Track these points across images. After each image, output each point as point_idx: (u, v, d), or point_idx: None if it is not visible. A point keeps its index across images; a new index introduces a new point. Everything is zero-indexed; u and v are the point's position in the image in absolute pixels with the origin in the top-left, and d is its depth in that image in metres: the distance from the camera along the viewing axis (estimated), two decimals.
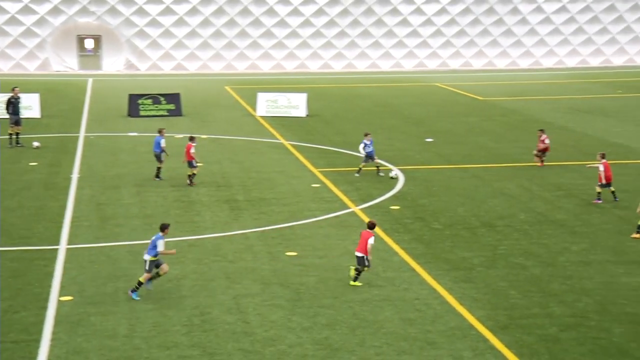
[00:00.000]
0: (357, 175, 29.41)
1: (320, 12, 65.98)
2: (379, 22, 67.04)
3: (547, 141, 31.29)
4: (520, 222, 24.06)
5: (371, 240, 18.61)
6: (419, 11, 67.16)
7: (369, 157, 29.49)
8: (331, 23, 66.47)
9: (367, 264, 18.76)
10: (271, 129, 39.66)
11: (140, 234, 22.86)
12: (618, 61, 70.60)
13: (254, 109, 44.55)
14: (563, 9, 68.71)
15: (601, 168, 26.00)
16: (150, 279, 18.13)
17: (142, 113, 43.38)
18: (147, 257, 18.01)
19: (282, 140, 36.86)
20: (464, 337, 16.11)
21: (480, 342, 15.87)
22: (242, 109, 46.13)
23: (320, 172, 30.44)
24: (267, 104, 44.09)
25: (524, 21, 68.63)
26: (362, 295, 18.22)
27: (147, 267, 18.00)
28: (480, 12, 67.77)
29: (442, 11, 67.49)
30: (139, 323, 16.74)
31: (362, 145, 29.67)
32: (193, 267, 20.07)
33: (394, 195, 27.08)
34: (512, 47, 69.14)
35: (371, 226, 19.00)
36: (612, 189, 26.16)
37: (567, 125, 40.56)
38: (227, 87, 55.44)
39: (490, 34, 68.54)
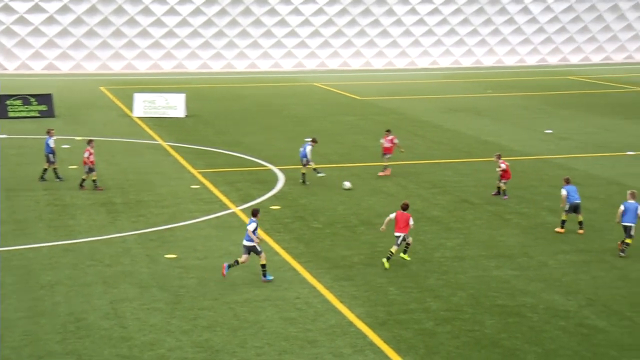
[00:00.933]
0: (322, 174, 28.74)
1: (197, 11, 65.31)
2: (257, 22, 67.01)
3: (395, 140, 30.18)
4: None
5: (411, 221, 20.09)
6: (296, 11, 67.54)
7: (302, 157, 28.53)
8: (209, 23, 65.91)
9: (408, 240, 20.33)
10: (149, 130, 38.94)
11: (10, 239, 21.95)
12: (488, 62, 73.26)
13: (131, 110, 43.63)
14: (436, 11, 70.66)
15: (503, 166, 26.94)
16: (229, 266, 18.86)
17: (11, 114, 41.78)
18: (246, 242, 18.78)
19: (161, 141, 36.25)
20: (344, 334, 16.30)
21: (360, 339, 16.09)
22: (119, 110, 45.10)
23: (200, 172, 30.12)
24: (144, 105, 43.28)
25: (399, 22, 70.16)
26: (243, 296, 18.15)
27: (251, 252, 18.80)
28: (357, 12, 68.82)
29: (320, 12, 68.11)
30: (7, 332, 16.06)
31: (309, 148, 28.38)
32: (68, 272, 19.44)
33: (274, 195, 27.10)
34: (389, 48, 70.57)
35: (405, 207, 20.06)
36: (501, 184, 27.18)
37: (442, 124, 41.71)
38: (102, 88, 54.05)
39: (367, 35, 69.69)
